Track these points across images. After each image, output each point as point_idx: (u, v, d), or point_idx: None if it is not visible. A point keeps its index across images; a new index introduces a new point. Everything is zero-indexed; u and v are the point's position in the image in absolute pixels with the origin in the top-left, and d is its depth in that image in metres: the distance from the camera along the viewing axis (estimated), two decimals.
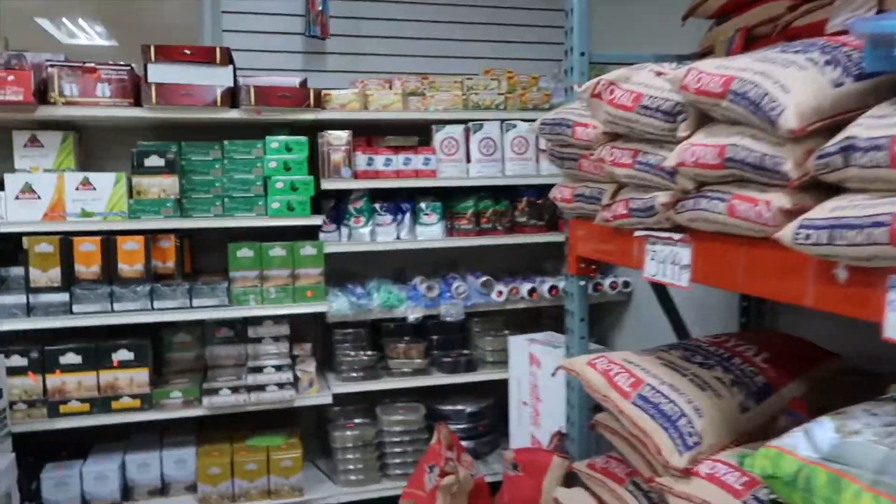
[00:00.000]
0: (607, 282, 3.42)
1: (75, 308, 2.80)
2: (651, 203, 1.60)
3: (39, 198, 2.80)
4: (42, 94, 2.81)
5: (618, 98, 1.65)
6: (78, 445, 2.99)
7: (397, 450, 3.21)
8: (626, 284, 3.48)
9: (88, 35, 6.84)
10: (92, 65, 2.88)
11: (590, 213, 1.97)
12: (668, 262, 1.66)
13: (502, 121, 3.32)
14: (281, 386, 2.96)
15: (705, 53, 2.19)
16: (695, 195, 1.46)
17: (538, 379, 2.84)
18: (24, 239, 2.78)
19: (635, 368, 1.82)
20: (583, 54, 2.16)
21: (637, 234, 1.74)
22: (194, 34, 3.73)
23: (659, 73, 1.58)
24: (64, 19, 6.44)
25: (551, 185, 3.35)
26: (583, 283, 2.27)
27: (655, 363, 1.85)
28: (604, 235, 1.95)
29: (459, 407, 3.36)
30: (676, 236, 1.58)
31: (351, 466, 3.14)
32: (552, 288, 3.36)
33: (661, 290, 2.49)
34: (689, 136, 1.45)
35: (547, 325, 3.56)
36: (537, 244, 3.48)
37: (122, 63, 2.94)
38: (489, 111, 3.33)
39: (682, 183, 1.48)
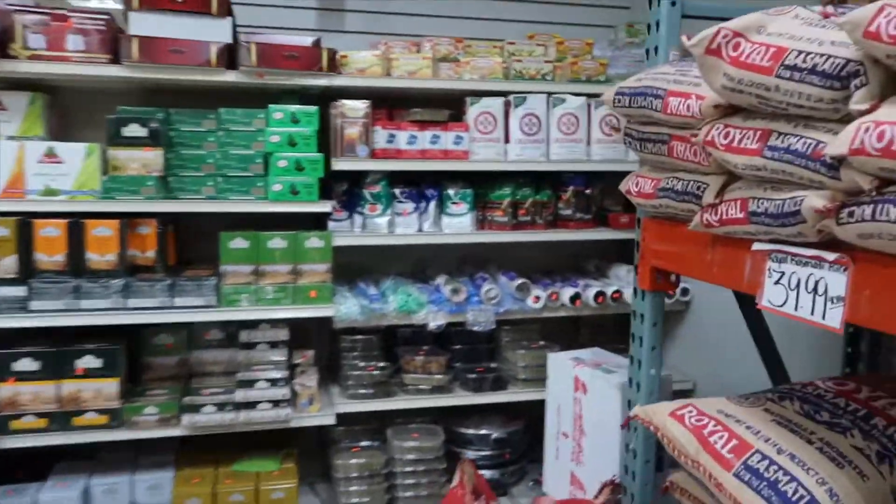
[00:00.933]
0: None
1: (34, 304, 2.38)
2: (794, 207, 1.13)
3: None
4: (2, 45, 2.35)
5: (746, 55, 1.19)
6: (37, 464, 2.56)
7: (410, 481, 2.77)
8: (685, 292, 3.03)
9: None
10: (63, 12, 2.42)
11: (679, 213, 1.55)
12: (806, 290, 1.21)
13: (549, 94, 2.84)
14: (275, 403, 2.53)
15: None
16: (874, 199, 0.99)
17: (583, 408, 2.37)
18: None
19: (738, 426, 1.45)
20: (674, 4, 1.66)
21: (756, 247, 1.30)
22: None
23: (826, 16, 1.07)
24: None
25: (602, 173, 2.95)
26: (658, 301, 1.79)
27: (764, 419, 1.46)
28: (698, 244, 1.51)
29: (484, 431, 2.93)
30: (830, 256, 1.11)
31: (355, 499, 2.69)
32: (599, 294, 2.88)
33: (752, 309, 1.99)
34: (871, 110, 0.97)
35: (586, 337, 3.21)
36: (582, 242, 3.07)
37: (100, 10, 2.47)
38: (534, 82, 2.85)
39: (854, 180, 1.01)
